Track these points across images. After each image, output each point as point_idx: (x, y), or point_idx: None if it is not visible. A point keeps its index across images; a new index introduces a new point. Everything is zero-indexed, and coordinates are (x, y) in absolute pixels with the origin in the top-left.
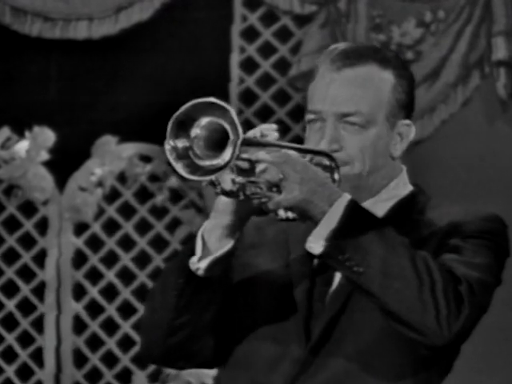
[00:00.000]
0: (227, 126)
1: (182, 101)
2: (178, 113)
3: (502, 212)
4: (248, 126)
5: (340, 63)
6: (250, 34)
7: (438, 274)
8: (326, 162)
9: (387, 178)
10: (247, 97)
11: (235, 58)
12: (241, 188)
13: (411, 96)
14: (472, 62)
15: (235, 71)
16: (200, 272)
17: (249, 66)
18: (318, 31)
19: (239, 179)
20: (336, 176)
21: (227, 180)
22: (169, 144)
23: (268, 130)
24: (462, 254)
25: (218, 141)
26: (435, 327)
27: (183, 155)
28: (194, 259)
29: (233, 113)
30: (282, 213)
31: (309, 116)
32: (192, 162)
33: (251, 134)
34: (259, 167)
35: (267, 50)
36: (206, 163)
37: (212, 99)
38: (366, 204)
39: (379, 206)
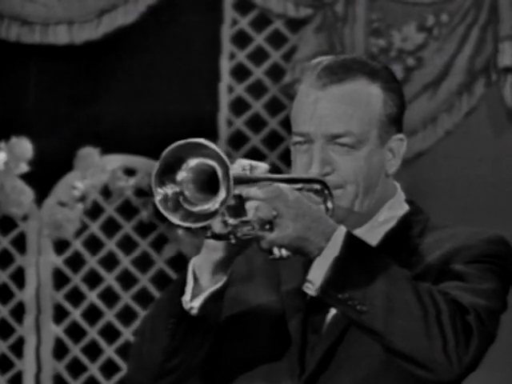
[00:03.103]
0: (217, 168)
1: (169, 110)
2: (162, 157)
3: (509, 227)
4: (239, 136)
5: (326, 80)
6: (240, 39)
7: (444, 305)
8: (318, 186)
9: (382, 198)
10: (238, 106)
11: (225, 65)
12: (232, 231)
13: (402, 109)
14: (477, 68)
15: (225, 78)
16: (194, 311)
17: (239, 72)
18: (314, 36)
19: (231, 221)
20: (329, 204)
21: (218, 223)
22: (158, 193)
23: (258, 166)
24: (466, 280)
25: (207, 182)
26: (444, 362)
27: (174, 202)
28: (186, 298)
29: (221, 153)
30: (276, 251)
31: (295, 138)
32: (183, 208)
33: (240, 166)
34: (250, 205)
35: (259, 55)
36: (198, 208)
37: (199, 140)
38: (362, 229)
39: (375, 230)
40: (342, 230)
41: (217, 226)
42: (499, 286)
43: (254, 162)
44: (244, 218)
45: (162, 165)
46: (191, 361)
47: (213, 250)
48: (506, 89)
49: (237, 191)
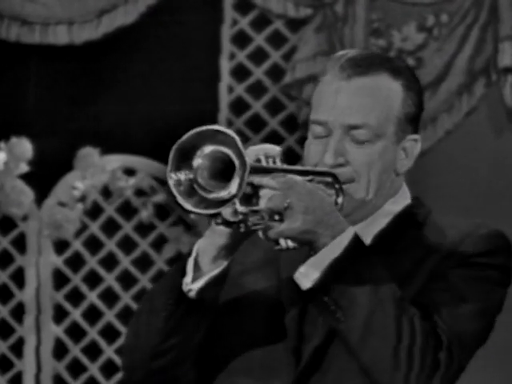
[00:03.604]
0: (233, 156)
1: (169, 110)
2: (179, 142)
3: (509, 227)
4: (239, 136)
5: (350, 71)
6: (240, 39)
7: (420, 339)
8: (329, 179)
9: (388, 193)
10: (238, 106)
11: (225, 65)
12: (243, 219)
13: (420, 110)
14: (477, 68)
15: (225, 78)
16: (192, 294)
17: (240, 73)
18: (314, 36)
19: (242, 209)
20: (339, 199)
21: (229, 210)
22: (171, 178)
23: (273, 150)
24: (454, 295)
25: (222, 169)
26: None
27: (187, 188)
28: (186, 280)
29: (238, 141)
30: (282, 242)
31: (313, 126)
32: (196, 193)
33: (253, 152)
34: (262, 193)
35: (259, 56)
36: (211, 195)
37: (216, 127)
38: (364, 223)
39: (377, 222)
40: (349, 232)
41: (227, 213)
42: (490, 294)
43: (266, 146)
44: (255, 207)
45: (179, 150)
46: (187, 344)
47: (218, 235)
48: (506, 89)
49: (250, 179)
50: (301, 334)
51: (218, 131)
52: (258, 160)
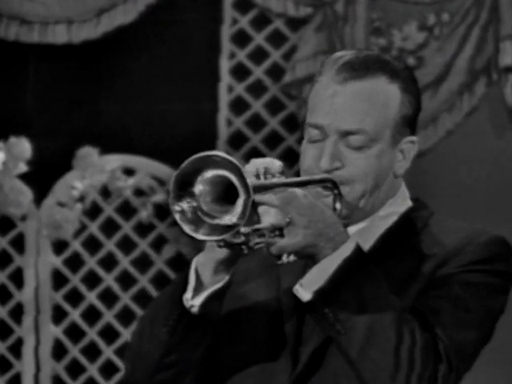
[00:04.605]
0: (234, 179)
1: (169, 110)
2: (178, 171)
3: (510, 227)
4: (239, 136)
5: (346, 74)
6: (240, 38)
7: (420, 352)
8: (328, 184)
9: (386, 195)
10: (238, 105)
11: (225, 64)
12: (245, 240)
13: (417, 111)
14: (478, 68)
15: (225, 78)
16: (194, 310)
17: (239, 72)
18: (314, 35)
19: (245, 230)
20: (337, 205)
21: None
22: (175, 209)
23: (273, 164)
24: (454, 303)
25: (223, 192)
26: None
27: (192, 216)
28: (187, 296)
29: (240, 166)
30: (284, 257)
31: (309, 129)
32: (202, 221)
33: (253, 168)
34: (263, 210)
35: (259, 55)
36: (215, 221)
37: (216, 152)
38: (362, 224)
39: (376, 225)
40: (351, 244)
41: (230, 235)
42: (493, 304)
43: (267, 161)
44: (256, 226)
45: (178, 179)
46: (189, 358)
47: (217, 249)
48: (507, 88)
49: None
50: (299, 336)
51: (215, 156)
52: (258, 175)
